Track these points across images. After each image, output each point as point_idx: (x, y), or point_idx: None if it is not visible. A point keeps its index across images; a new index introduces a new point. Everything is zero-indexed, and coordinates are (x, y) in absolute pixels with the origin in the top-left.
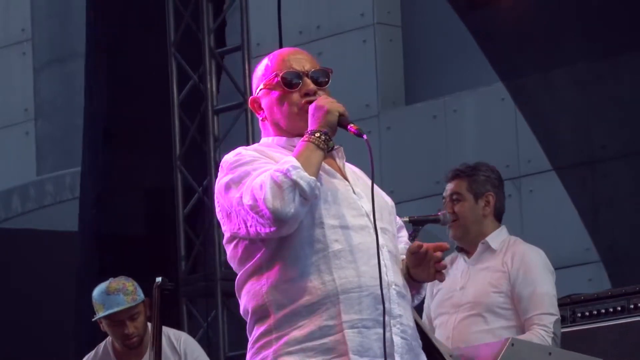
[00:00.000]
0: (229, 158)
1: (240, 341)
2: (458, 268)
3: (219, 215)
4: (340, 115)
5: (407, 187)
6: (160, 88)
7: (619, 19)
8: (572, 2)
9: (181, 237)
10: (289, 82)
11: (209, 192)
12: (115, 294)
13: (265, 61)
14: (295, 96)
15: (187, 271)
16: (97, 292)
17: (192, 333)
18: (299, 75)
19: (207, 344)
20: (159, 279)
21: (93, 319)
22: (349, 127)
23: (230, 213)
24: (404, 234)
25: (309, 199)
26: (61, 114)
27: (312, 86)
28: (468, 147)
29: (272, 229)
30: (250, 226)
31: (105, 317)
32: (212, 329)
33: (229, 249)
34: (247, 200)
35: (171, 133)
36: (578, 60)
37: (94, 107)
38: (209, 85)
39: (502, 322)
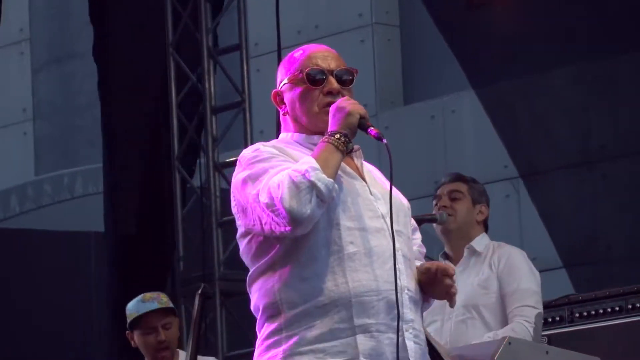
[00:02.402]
0: (247, 153)
1: (238, 341)
2: None
3: (234, 209)
4: (361, 117)
5: (406, 187)
6: (158, 86)
7: (618, 19)
8: (572, 2)
9: (179, 237)
10: (313, 79)
11: (207, 192)
12: (150, 301)
13: (291, 55)
14: (318, 94)
15: (186, 271)
16: (131, 303)
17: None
18: (324, 73)
19: (206, 344)
20: (202, 286)
21: (127, 331)
22: (369, 130)
23: (245, 209)
24: (418, 236)
25: (325, 201)
26: (59, 114)
27: (335, 85)
28: (466, 147)
29: (287, 229)
30: (265, 224)
31: (138, 324)
32: (211, 329)
33: (242, 244)
34: (263, 199)
35: (170, 133)
36: (578, 60)
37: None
38: (207, 85)
39: (496, 319)
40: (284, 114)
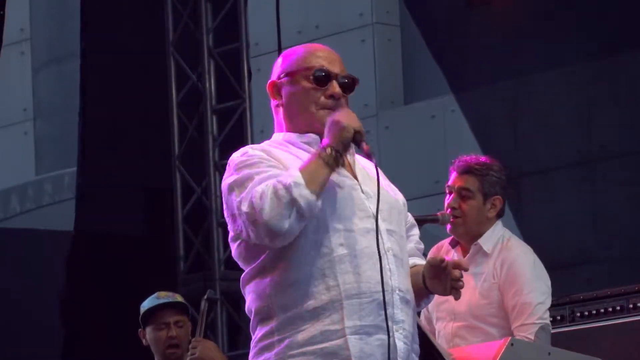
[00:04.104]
0: (235, 157)
1: (239, 341)
2: None
3: (225, 213)
4: (356, 132)
5: (406, 187)
6: (159, 88)
7: (617, 18)
8: (571, 1)
9: (180, 237)
10: (319, 80)
11: (208, 192)
12: (165, 298)
13: (295, 49)
14: (320, 95)
15: (186, 271)
16: (146, 301)
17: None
18: (330, 76)
19: None
20: (209, 291)
21: (139, 329)
22: (361, 145)
23: (234, 214)
24: (416, 232)
25: (306, 216)
26: (60, 113)
27: (338, 90)
28: (467, 147)
29: (265, 240)
30: (250, 231)
31: (151, 319)
32: (211, 329)
33: (233, 247)
34: (244, 208)
35: (170, 133)
36: (578, 59)
37: (90, 107)
38: (207, 85)
39: (497, 329)
40: (277, 106)
